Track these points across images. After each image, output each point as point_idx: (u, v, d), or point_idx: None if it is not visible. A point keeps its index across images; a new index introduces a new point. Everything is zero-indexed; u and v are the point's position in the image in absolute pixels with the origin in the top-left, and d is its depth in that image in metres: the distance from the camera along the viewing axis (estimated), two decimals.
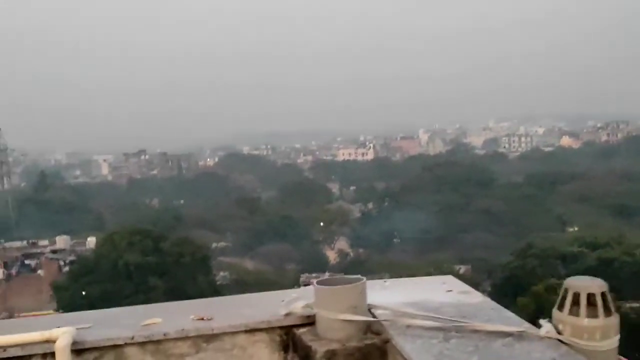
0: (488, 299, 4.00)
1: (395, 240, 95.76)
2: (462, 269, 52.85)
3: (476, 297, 4.05)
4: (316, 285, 3.82)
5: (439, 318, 3.55)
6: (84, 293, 49.81)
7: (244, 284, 62.44)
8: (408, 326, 3.52)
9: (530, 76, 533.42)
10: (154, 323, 3.74)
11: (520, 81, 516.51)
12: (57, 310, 52.96)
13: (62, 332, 3.36)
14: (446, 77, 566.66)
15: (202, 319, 3.81)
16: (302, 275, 45.23)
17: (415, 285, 4.45)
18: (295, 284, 44.75)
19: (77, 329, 3.47)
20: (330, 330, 3.70)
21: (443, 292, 4.16)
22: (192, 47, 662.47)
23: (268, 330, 3.88)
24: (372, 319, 3.72)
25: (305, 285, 40.73)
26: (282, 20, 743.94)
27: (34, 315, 50.87)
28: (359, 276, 3.83)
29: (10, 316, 45.10)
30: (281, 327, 3.90)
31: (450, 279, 4.53)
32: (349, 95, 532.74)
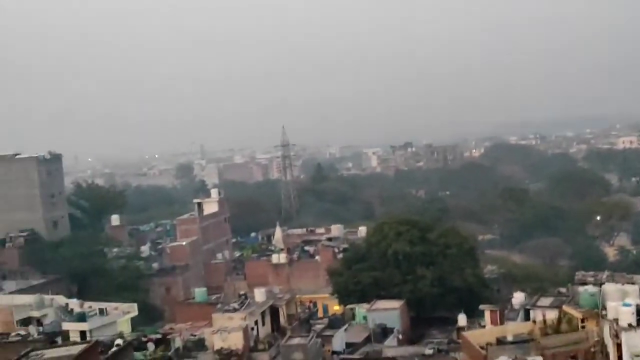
0: None
1: None
2: None
3: None
4: None
5: None
6: (355, 279, 52.43)
7: (512, 279, 60.49)
8: None
9: None
10: None
11: None
12: (332, 294, 56.69)
13: None
14: None
15: None
16: (577, 273, 42.03)
17: None
18: (569, 281, 41.87)
19: None
20: None
21: None
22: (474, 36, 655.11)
23: None
24: None
25: (581, 284, 37.76)
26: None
27: (312, 300, 54.62)
28: None
29: (294, 297, 49.30)
30: None
31: None
32: (631, 77, 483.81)
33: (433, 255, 51.98)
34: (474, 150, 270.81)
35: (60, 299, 52.05)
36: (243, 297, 45.39)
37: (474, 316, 45.39)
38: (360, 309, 47.03)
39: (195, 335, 42.48)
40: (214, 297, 52.88)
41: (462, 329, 42.44)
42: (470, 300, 48.82)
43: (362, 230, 75.27)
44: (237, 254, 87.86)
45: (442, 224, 65.99)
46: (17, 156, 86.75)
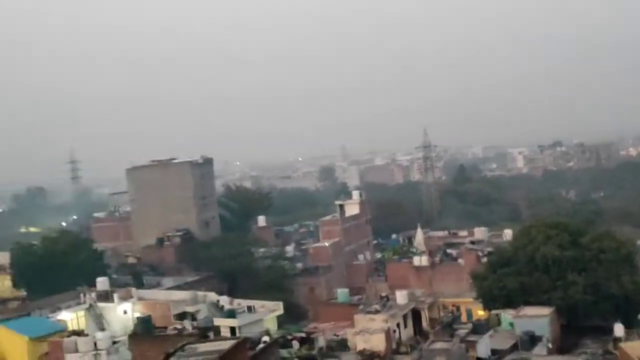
0: None
1: None
2: None
3: None
4: None
5: None
6: (501, 284, 50.68)
7: None
8: None
9: None
10: None
11: None
12: (476, 298, 55.22)
13: None
14: None
15: None
16: None
17: None
18: None
19: None
20: None
21: None
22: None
23: None
24: None
25: None
26: None
27: (455, 304, 53.60)
28: None
29: (436, 300, 48.58)
30: None
31: None
32: None
33: (585, 260, 49.01)
34: (631, 149, 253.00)
35: (212, 296, 55.02)
36: (385, 298, 45.39)
37: (632, 326, 42.34)
38: (506, 315, 45.42)
39: (337, 336, 43.10)
40: (355, 298, 53.31)
41: (619, 339, 39.69)
42: (627, 309, 45.55)
43: (508, 234, 72.73)
44: (378, 255, 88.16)
45: (595, 228, 62.19)
46: (173, 161, 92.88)
